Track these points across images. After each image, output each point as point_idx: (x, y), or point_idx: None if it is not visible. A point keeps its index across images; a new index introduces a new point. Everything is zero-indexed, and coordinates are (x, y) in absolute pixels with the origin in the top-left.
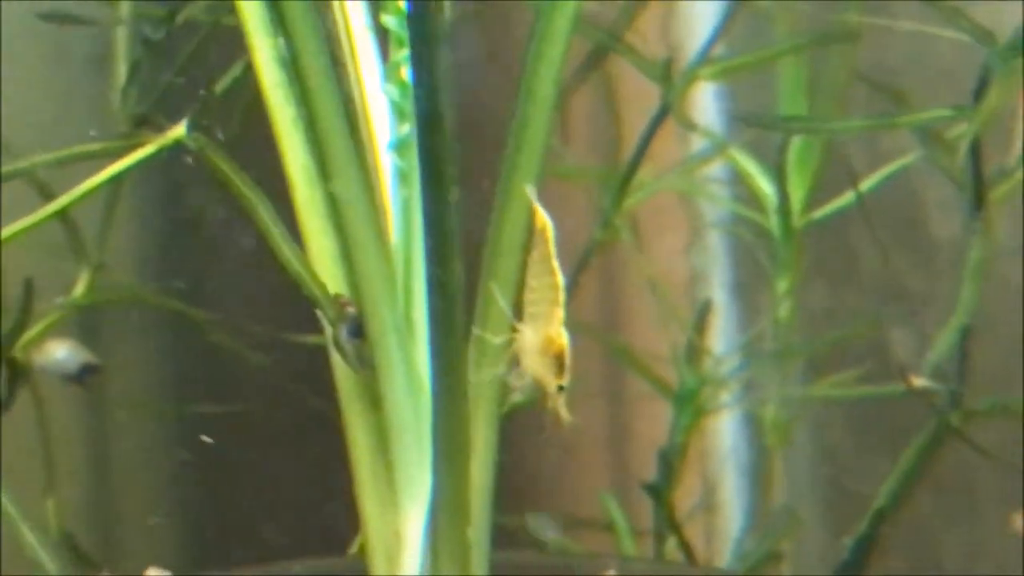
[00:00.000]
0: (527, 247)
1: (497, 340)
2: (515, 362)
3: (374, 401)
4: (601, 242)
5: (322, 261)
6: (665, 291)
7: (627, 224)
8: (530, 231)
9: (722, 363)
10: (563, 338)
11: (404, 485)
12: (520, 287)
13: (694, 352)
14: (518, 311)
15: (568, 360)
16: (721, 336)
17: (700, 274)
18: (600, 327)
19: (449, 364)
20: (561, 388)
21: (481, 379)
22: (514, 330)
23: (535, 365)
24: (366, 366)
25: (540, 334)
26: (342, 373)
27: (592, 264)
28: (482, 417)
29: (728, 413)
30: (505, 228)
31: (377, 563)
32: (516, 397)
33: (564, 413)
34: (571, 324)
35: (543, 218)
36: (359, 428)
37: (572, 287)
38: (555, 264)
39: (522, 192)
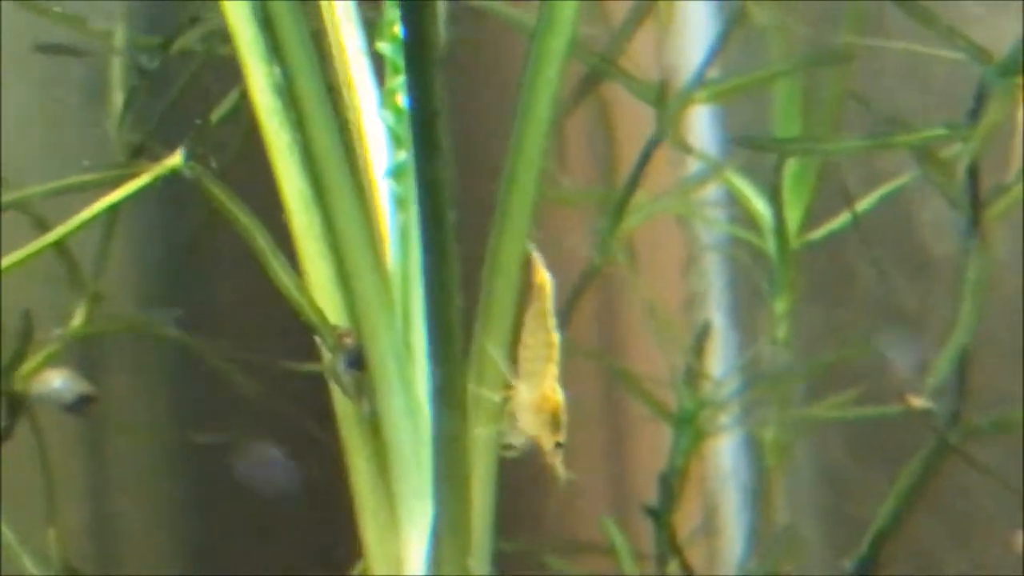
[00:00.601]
0: (523, 297)
1: (494, 398)
2: (511, 419)
3: (373, 427)
4: (598, 266)
5: (320, 287)
6: (663, 314)
7: (624, 247)
8: (525, 259)
9: (721, 385)
10: (558, 395)
11: (405, 511)
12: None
13: (693, 375)
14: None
15: (564, 417)
16: (719, 358)
17: (697, 297)
18: (598, 350)
19: (448, 389)
20: (559, 445)
21: (478, 431)
22: (509, 387)
23: (531, 422)
24: (365, 396)
25: (535, 391)
26: (341, 399)
27: (589, 288)
28: (482, 442)
29: (728, 435)
30: (502, 251)
31: None
32: (512, 454)
33: (561, 470)
34: (569, 347)
35: (543, 274)
36: (359, 454)
37: (569, 311)
38: (551, 321)
39: (519, 216)
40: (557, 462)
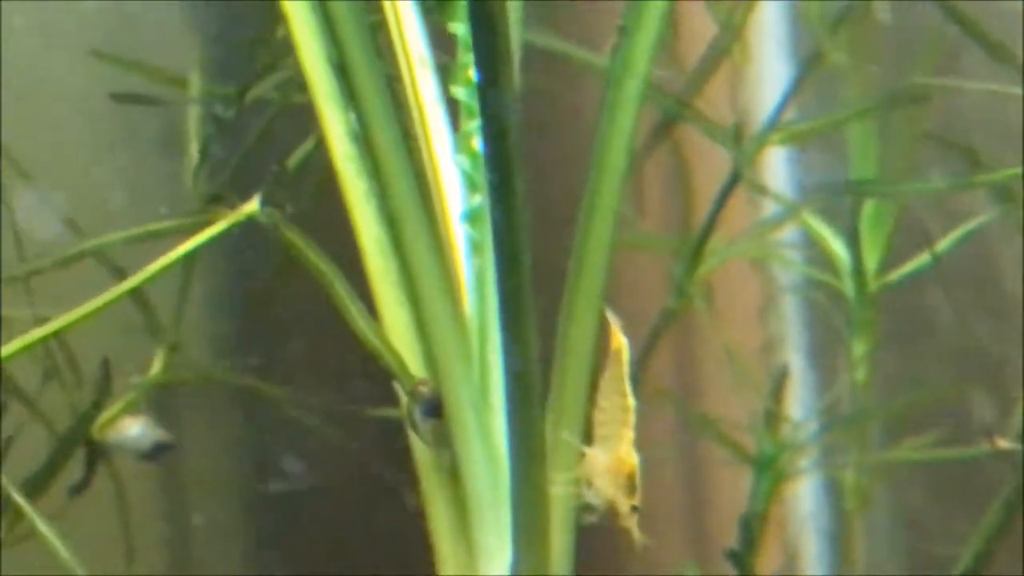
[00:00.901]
0: (600, 359)
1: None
2: (587, 483)
3: (452, 475)
4: (675, 310)
5: (397, 333)
6: (740, 358)
7: (700, 291)
8: (602, 319)
9: (800, 428)
10: (634, 458)
11: (484, 558)
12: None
13: (772, 418)
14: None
15: (639, 481)
16: (798, 401)
17: (775, 340)
18: (677, 395)
19: (527, 436)
20: (634, 508)
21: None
22: (584, 452)
23: (606, 486)
24: (442, 443)
25: (611, 455)
26: (420, 447)
27: (666, 332)
28: (561, 491)
29: (807, 478)
30: (579, 297)
31: None
32: (590, 519)
33: (637, 533)
34: (649, 392)
35: (619, 338)
36: (438, 501)
37: (647, 356)
38: (627, 386)
39: (596, 261)
40: (633, 525)
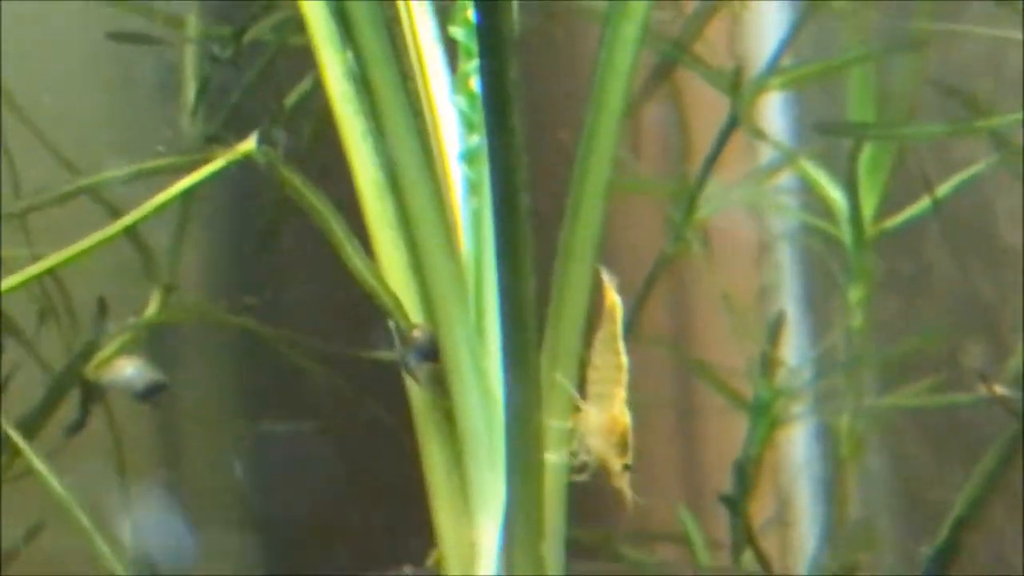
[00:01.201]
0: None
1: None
2: (580, 441)
3: (447, 414)
4: (671, 255)
5: (393, 274)
6: (737, 304)
7: (698, 236)
8: (597, 244)
9: (796, 374)
10: (626, 418)
11: (478, 497)
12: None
13: (768, 363)
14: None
15: (631, 440)
16: (793, 348)
17: (770, 287)
18: (672, 341)
19: (522, 375)
20: (627, 467)
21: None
22: (578, 409)
23: (599, 444)
24: (438, 385)
25: (604, 414)
26: (415, 388)
27: (663, 278)
28: (555, 430)
29: (801, 426)
30: (576, 238)
31: (452, 574)
32: (581, 477)
33: (628, 492)
34: (645, 337)
35: (613, 297)
36: (432, 441)
37: (642, 301)
38: (621, 345)
39: (593, 203)
40: (624, 484)
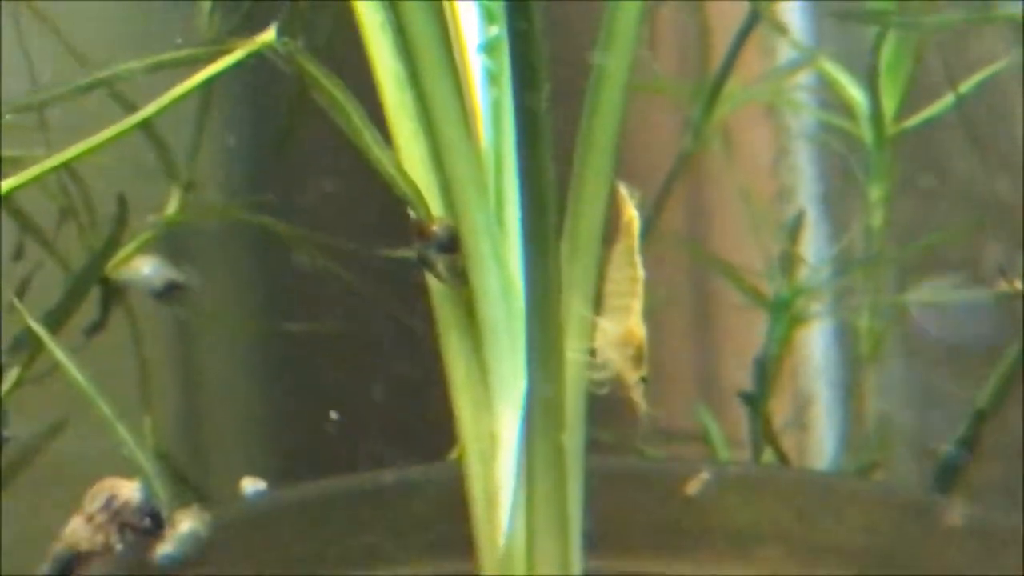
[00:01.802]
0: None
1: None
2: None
3: (467, 306)
4: (691, 154)
5: (413, 165)
6: (756, 203)
7: (717, 136)
8: (616, 141)
9: (816, 272)
10: (642, 330)
11: (499, 388)
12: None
13: (788, 261)
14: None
15: (646, 352)
16: (810, 250)
17: (788, 188)
18: (690, 240)
19: (542, 265)
20: (642, 379)
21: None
22: (594, 322)
23: (615, 357)
24: (458, 277)
25: (620, 327)
26: (434, 283)
27: (681, 178)
28: (576, 321)
29: (819, 328)
30: (594, 136)
31: (473, 466)
32: (601, 390)
33: (642, 404)
34: (663, 237)
35: (631, 211)
36: (453, 333)
37: (661, 201)
38: (638, 258)
39: (611, 102)
40: (639, 397)
